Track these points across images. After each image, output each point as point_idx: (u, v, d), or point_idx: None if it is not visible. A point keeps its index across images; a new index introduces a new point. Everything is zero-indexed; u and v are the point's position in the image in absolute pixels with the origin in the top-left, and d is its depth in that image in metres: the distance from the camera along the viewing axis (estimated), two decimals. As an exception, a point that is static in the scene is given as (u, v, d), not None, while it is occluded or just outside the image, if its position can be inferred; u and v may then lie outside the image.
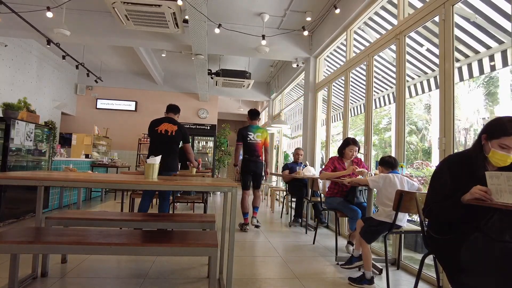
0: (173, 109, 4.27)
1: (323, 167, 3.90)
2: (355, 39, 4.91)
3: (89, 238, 2.14)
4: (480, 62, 3.47)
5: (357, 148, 3.72)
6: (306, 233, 4.60)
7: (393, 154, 3.44)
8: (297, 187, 5.32)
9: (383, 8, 4.20)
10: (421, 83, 4.56)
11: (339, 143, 4.05)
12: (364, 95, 4.75)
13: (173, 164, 4.07)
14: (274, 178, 9.29)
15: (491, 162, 1.69)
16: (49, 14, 4.73)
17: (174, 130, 4.04)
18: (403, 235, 3.26)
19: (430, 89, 4.48)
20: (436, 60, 3.87)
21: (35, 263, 2.47)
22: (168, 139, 4.02)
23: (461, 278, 1.60)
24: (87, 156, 7.48)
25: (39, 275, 2.50)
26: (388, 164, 2.91)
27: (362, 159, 3.93)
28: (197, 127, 9.91)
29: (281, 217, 5.94)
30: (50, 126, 5.62)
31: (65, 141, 8.33)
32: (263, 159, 4.81)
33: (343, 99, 5.01)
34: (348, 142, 3.75)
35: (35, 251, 2.25)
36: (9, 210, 4.45)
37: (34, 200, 2.61)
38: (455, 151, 2.63)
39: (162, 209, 4.01)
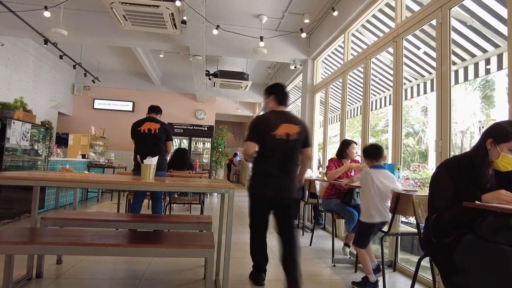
0: (154, 109, 4.20)
1: (326, 169, 3.92)
2: (352, 42, 4.92)
3: (84, 239, 2.13)
4: (476, 65, 3.50)
5: (356, 147, 3.79)
6: (303, 234, 4.60)
7: (390, 156, 3.45)
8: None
9: (381, 11, 4.22)
10: (418, 85, 4.58)
11: (336, 145, 4.07)
12: (361, 97, 4.77)
13: (161, 163, 3.85)
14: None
15: (498, 166, 1.67)
16: (47, 14, 4.72)
17: (157, 128, 3.96)
18: (399, 237, 3.27)
19: (426, 92, 4.50)
20: (433, 63, 3.90)
21: (30, 264, 2.45)
22: (152, 138, 3.93)
23: (455, 279, 1.61)
24: (83, 156, 7.45)
25: (34, 276, 2.48)
26: (371, 155, 2.70)
27: (360, 161, 3.94)
28: (195, 128, 9.89)
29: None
30: (46, 126, 5.59)
31: (62, 141, 8.29)
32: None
33: (340, 101, 5.02)
34: (349, 142, 3.82)
35: (30, 251, 2.23)
36: (4, 211, 4.42)
37: (30, 200, 2.59)
38: (452, 153, 2.64)
39: (156, 211, 3.96)
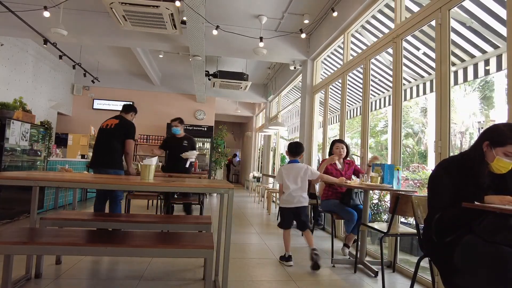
0: (124, 108, 4.01)
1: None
2: (352, 42, 4.93)
3: (83, 239, 2.13)
4: (475, 66, 3.50)
5: (343, 145, 3.82)
6: (302, 235, 4.58)
7: (389, 157, 3.46)
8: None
9: (380, 11, 4.22)
10: (418, 86, 4.59)
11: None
12: (361, 97, 4.77)
13: (112, 161, 3.66)
14: (270, 180, 9.29)
15: (492, 169, 1.71)
16: (46, 14, 4.71)
17: (114, 123, 3.75)
18: (398, 238, 3.27)
19: (425, 92, 4.50)
20: (433, 64, 3.91)
21: (29, 264, 2.45)
22: (106, 133, 3.73)
23: (454, 279, 1.61)
24: (83, 156, 7.44)
25: (32, 276, 2.48)
26: (289, 150, 3.44)
27: (359, 162, 3.95)
28: (194, 128, 9.90)
29: (277, 219, 5.94)
30: (46, 126, 5.59)
31: (61, 141, 8.28)
32: None
33: (340, 102, 5.02)
34: (333, 142, 3.94)
35: (29, 252, 2.23)
36: (3, 211, 4.41)
37: (29, 200, 2.59)
38: (451, 154, 2.64)
39: (113, 211, 3.73)
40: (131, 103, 4.12)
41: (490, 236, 1.52)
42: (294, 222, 3.40)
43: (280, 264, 3.18)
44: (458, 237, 1.62)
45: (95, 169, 3.74)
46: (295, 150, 3.42)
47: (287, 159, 3.53)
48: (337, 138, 4.56)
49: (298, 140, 6.54)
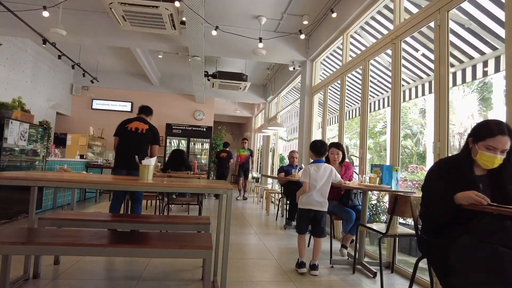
0: (144, 110, 4.09)
1: None
2: (351, 43, 4.94)
3: (82, 239, 2.12)
4: (474, 67, 3.51)
5: (338, 151, 3.79)
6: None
7: (388, 158, 3.46)
8: (292, 190, 5.32)
9: (380, 13, 4.23)
10: (416, 87, 4.59)
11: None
12: (359, 98, 4.78)
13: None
14: (269, 180, 9.29)
15: (480, 165, 1.75)
16: (45, 14, 4.71)
17: (145, 128, 3.85)
18: (397, 238, 3.28)
19: (424, 94, 4.51)
20: (431, 65, 3.91)
21: (27, 264, 2.45)
22: (138, 137, 3.81)
23: (451, 280, 1.62)
24: (82, 156, 7.43)
25: (31, 276, 2.47)
26: (312, 150, 3.17)
27: (357, 163, 3.95)
28: (193, 128, 9.90)
29: (276, 219, 5.94)
30: (44, 126, 5.58)
31: (60, 141, 8.27)
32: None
33: (339, 103, 5.03)
34: (329, 146, 3.83)
35: (27, 252, 2.23)
36: (1, 211, 4.40)
37: (27, 200, 2.58)
38: (449, 155, 2.65)
39: (135, 213, 3.80)
40: (148, 106, 4.16)
41: (486, 237, 1.52)
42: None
43: (279, 265, 3.18)
44: (454, 237, 1.63)
45: (126, 170, 3.70)
46: (320, 149, 3.15)
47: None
48: (336, 139, 4.55)
49: (297, 140, 6.54)
